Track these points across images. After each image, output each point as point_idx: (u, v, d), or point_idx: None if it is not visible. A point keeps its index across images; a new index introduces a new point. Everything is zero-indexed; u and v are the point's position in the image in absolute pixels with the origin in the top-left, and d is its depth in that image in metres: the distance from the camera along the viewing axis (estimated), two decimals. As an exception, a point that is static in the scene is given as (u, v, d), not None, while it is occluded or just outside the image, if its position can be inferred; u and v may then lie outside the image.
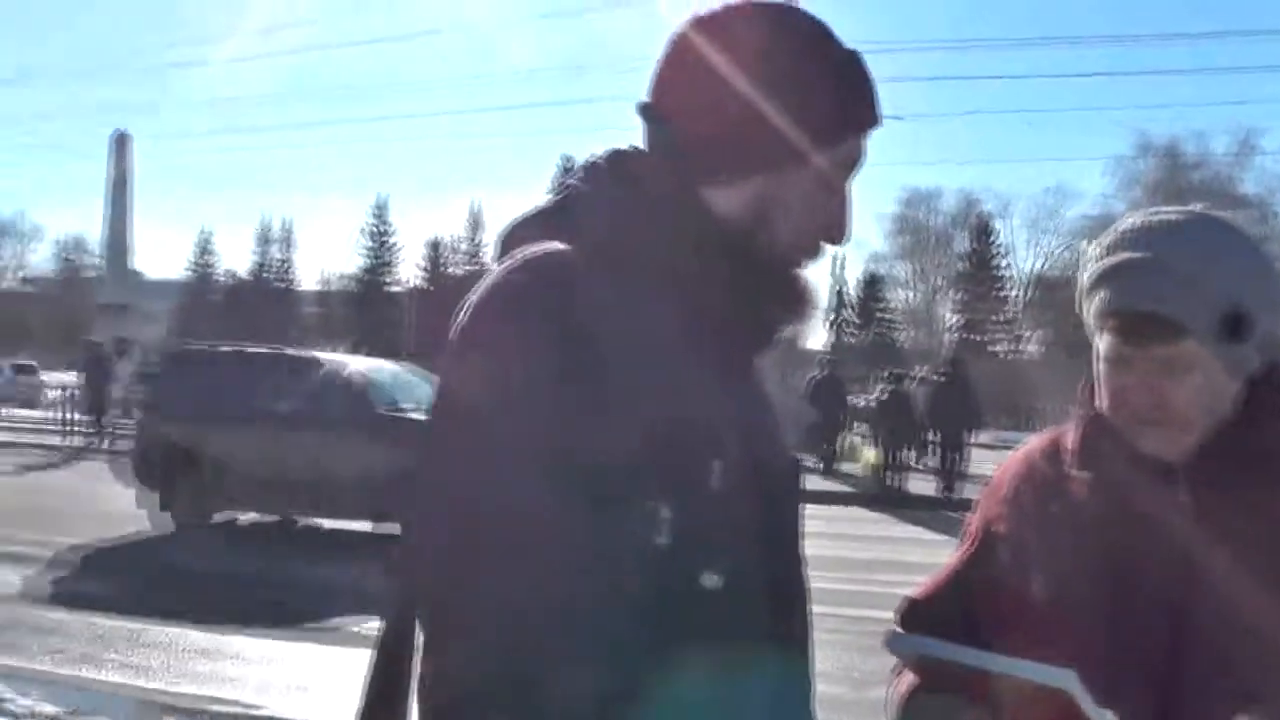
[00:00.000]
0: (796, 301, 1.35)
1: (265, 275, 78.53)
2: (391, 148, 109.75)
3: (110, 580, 9.67)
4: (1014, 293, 69.82)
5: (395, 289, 73.28)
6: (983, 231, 70.37)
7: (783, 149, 1.26)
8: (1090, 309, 1.44)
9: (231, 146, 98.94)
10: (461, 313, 1.23)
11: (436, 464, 1.20)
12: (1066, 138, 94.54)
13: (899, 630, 1.46)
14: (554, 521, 1.12)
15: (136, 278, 53.68)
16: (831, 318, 51.71)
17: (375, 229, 76.52)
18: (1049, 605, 1.43)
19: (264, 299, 71.93)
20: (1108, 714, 1.25)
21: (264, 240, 79.16)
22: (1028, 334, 66.76)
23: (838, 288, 71.60)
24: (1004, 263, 70.41)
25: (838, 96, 1.29)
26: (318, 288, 78.31)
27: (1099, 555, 1.42)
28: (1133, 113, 79.16)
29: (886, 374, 20.97)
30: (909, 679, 1.53)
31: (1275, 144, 74.63)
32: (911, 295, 73.64)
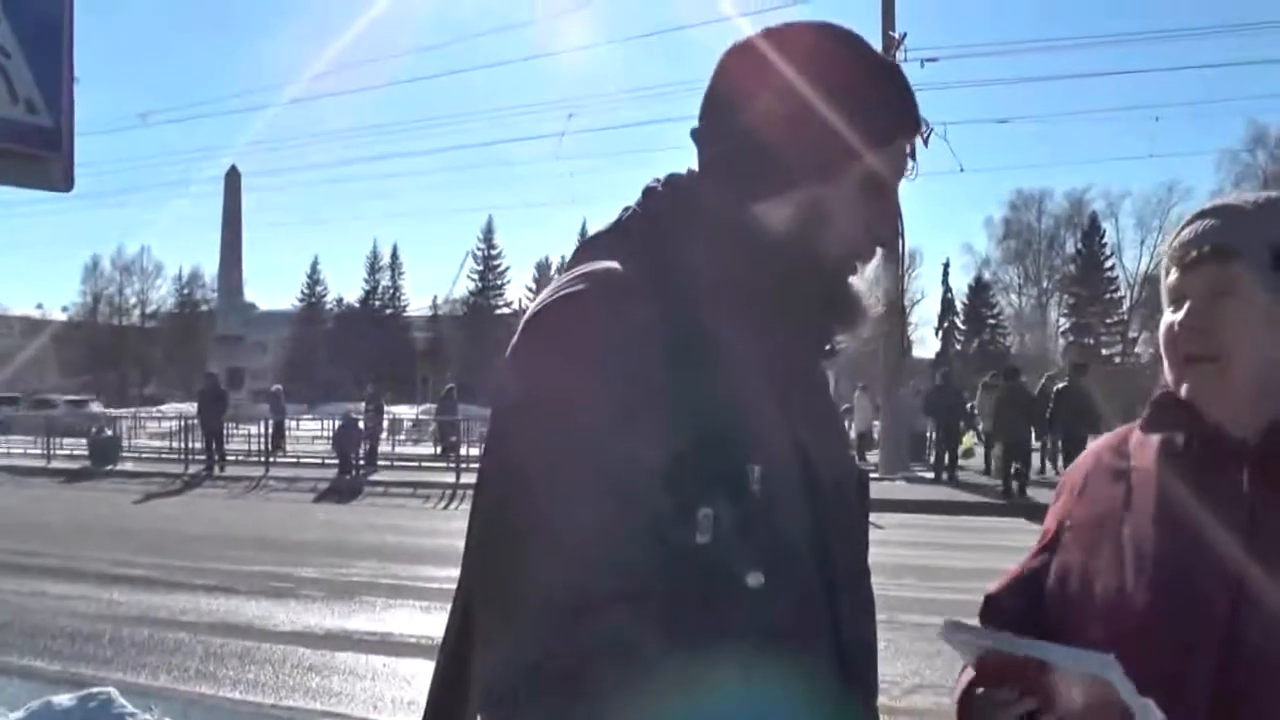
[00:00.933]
0: (849, 309, 1.39)
1: (374, 302, 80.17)
2: (496, 172, 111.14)
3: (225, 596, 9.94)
4: (1123, 294, 68.07)
5: (504, 310, 74.27)
6: (1092, 232, 68.88)
7: (828, 157, 1.30)
8: (1163, 272, 1.49)
9: (340, 178, 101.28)
10: (519, 326, 1.28)
11: (500, 470, 1.25)
12: (1177, 133, 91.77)
13: (953, 620, 1.47)
14: (604, 516, 1.16)
15: (250, 310, 55.34)
16: (941, 325, 51.11)
17: (483, 252, 77.65)
18: (1105, 595, 1.44)
19: (373, 326, 73.41)
20: (1148, 703, 1.22)
21: (373, 268, 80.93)
22: (1136, 335, 64.98)
23: (946, 295, 70.99)
24: (1112, 263, 68.82)
25: (880, 102, 1.33)
26: (427, 312, 79.71)
27: (1155, 544, 1.43)
28: (1247, 103, 76.20)
29: (1003, 370, 20.46)
30: (968, 675, 1.54)
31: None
32: (1020, 300, 72.29)
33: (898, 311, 23.76)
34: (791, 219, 1.32)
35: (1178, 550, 1.40)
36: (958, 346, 67.77)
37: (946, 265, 75.96)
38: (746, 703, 1.20)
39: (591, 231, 1.40)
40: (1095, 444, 1.65)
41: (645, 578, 1.16)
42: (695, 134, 1.39)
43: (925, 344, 68.00)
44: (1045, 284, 71.19)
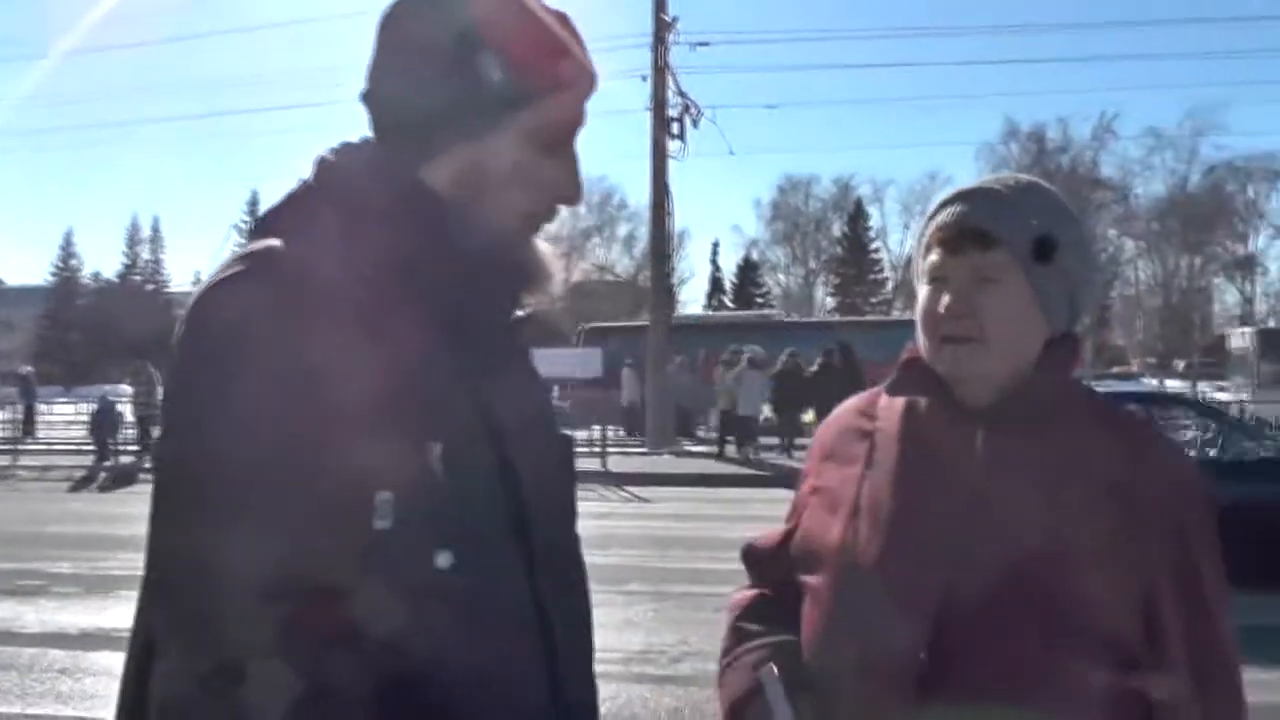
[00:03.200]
0: (532, 270, 1.36)
1: (134, 277, 76.21)
2: (259, 141, 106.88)
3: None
4: (888, 275, 71.34)
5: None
6: (857, 216, 71.96)
7: (492, 111, 1.27)
8: (920, 243, 1.55)
9: (97, 141, 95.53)
10: (185, 312, 1.22)
11: (164, 468, 1.20)
12: (939, 125, 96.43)
13: (774, 673, 1.52)
14: (271, 511, 1.12)
15: (-5, 285, 51.67)
16: (709, 303, 52.40)
17: (248, 225, 74.40)
18: (843, 550, 1.51)
19: (134, 302, 69.76)
20: (789, 711, 1.36)
21: (132, 241, 76.89)
22: (901, 314, 68.33)
23: (715, 274, 72.81)
24: (877, 246, 72.04)
25: (546, 52, 1.29)
26: (191, 288, 75.83)
27: (891, 500, 1.50)
28: (1003, 99, 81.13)
29: (786, 354, 21.27)
30: (748, 594, 1.70)
31: (1132, 129, 76.95)
32: (787, 279, 74.78)
33: (665, 290, 24.16)
34: (461, 179, 1.29)
35: (912, 506, 1.48)
36: (728, 324, 69.55)
37: (716, 245, 78.25)
38: (444, 681, 1.19)
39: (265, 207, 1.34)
40: (843, 406, 1.72)
41: (325, 573, 1.12)
42: (364, 97, 1.33)
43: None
44: (812, 264, 73.88)
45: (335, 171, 1.32)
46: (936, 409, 1.52)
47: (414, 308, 1.24)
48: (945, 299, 1.48)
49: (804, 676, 1.50)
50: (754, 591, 1.72)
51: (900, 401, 1.57)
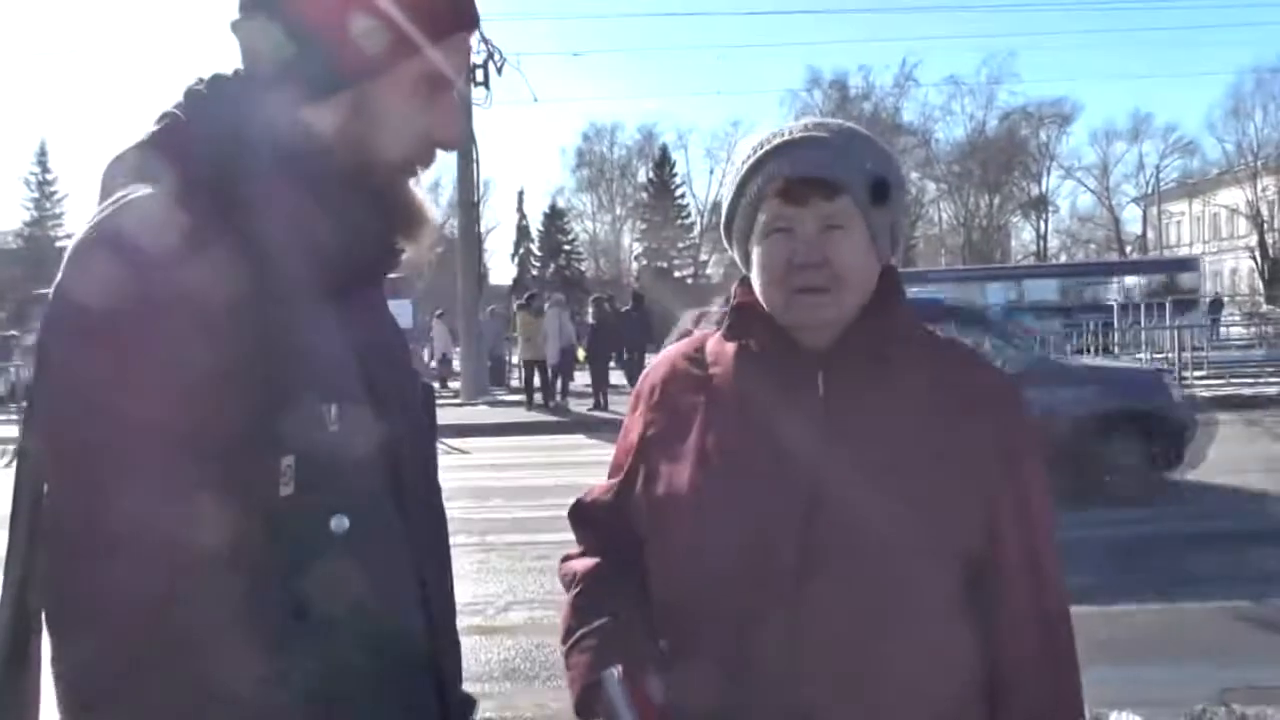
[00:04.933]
0: (409, 216, 1.33)
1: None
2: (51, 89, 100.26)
3: None
4: (694, 220, 72.29)
5: (66, 241, 67.04)
6: (663, 163, 72.45)
7: (380, 52, 1.23)
8: (749, 193, 1.52)
9: None
10: (61, 267, 1.14)
11: (47, 442, 1.14)
12: (742, 73, 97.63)
13: (615, 677, 1.49)
14: (172, 493, 1.07)
15: None
16: (516, 251, 52.27)
17: (37, 177, 69.92)
18: (691, 495, 1.52)
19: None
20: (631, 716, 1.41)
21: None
22: (707, 258, 69.40)
23: (521, 222, 72.40)
24: (683, 192, 72.84)
25: (419, 1, 1.25)
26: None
27: (737, 444, 1.52)
28: (805, 49, 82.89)
29: (594, 300, 21.50)
30: (584, 563, 1.67)
31: (932, 76, 79.87)
32: (594, 226, 74.97)
33: (473, 239, 23.93)
34: (343, 121, 1.24)
35: (758, 449, 1.49)
36: (534, 273, 69.33)
37: (521, 193, 77.54)
38: (340, 644, 1.18)
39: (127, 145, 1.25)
40: (668, 352, 1.71)
41: (232, 547, 1.07)
42: (236, 28, 1.26)
43: (501, 271, 69.21)
44: (619, 211, 74.17)
45: (210, 109, 1.24)
46: (775, 353, 1.54)
47: (295, 253, 1.18)
48: (797, 250, 1.49)
49: (648, 657, 1.50)
50: (590, 561, 1.67)
51: (732, 347, 1.58)
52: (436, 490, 1.44)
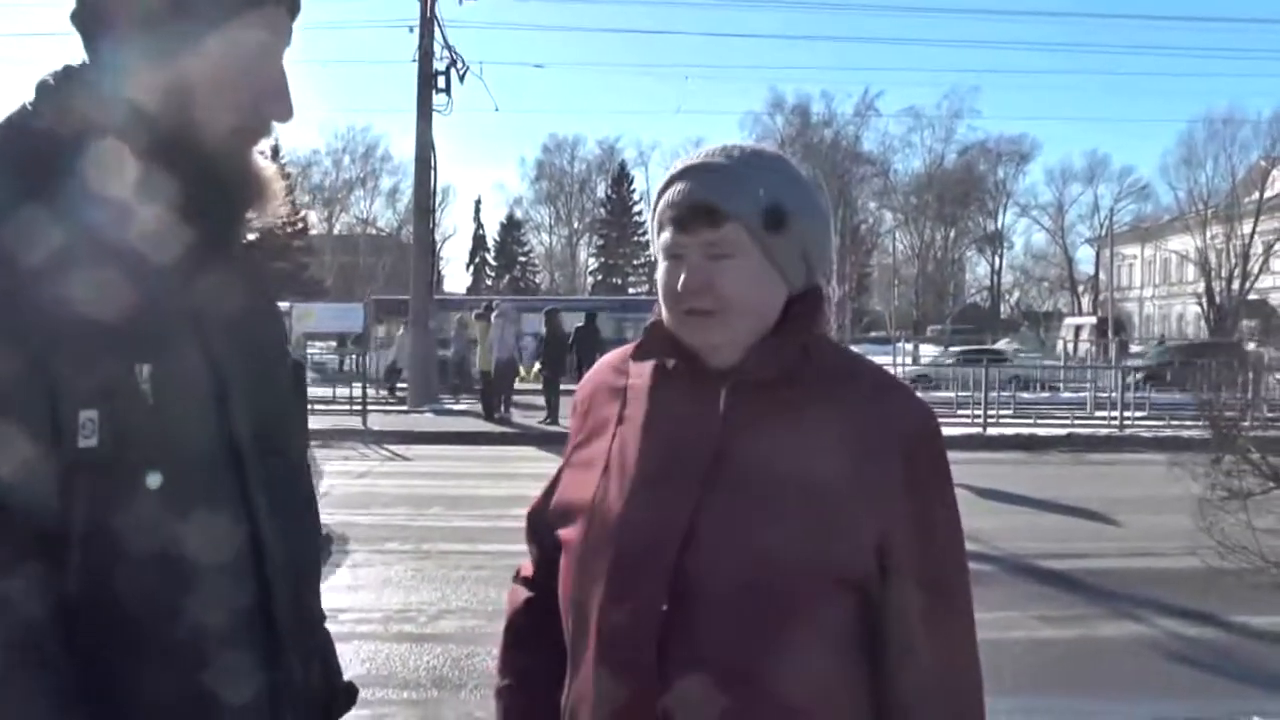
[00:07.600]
0: (249, 187, 1.36)
1: None
2: None
3: None
4: (651, 238, 72.44)
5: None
6: (621, 179, 72.78)
7: (183, 28, 1.27)
8: (656, 218, 1.55)
9: None
10: None
11: None
12: (705, 94, 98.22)
13: None
14: None
15: None
16: (472, 260, 52.14)
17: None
18: (592, 503, 1.53)
19: None
20: None
21: None
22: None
23: (478, 231, 72.29)
24: (640, 209, 72.96)
25: None
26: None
27: (637, 453, 1.53)
28: (768, 72, 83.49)
29: (546, 313, 21.47)
30: (520, 596, 1.73)
31: (892, 107, 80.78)
32: (551, 239, 75.03)
33: (429, 246, 23.87)
34: (166, 94, 1.28)
35: (656, 463, 1.50)
36: (488, 282, 69.29)
37: (479, 202, 77.59)
38: (146, 600, 1.20)
39: None
40: (599, 363, 1.74)
41: (24, 489, 1.12)
42: (74, 18, 1.31)
43: (456, 279, 69.14)
44: (576, 225, 74.32)
45: (49, 91, 1.31)
46: (681, 370, 1.55)
47: (126, 225, 1.23)
48: (682, 276, 1.49)
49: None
50: (526, 595, 1.71)
51: (650, 362, 1.59)
52: (303, 468, 1.46)
